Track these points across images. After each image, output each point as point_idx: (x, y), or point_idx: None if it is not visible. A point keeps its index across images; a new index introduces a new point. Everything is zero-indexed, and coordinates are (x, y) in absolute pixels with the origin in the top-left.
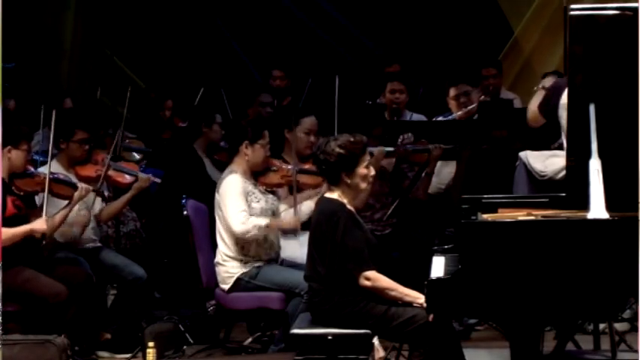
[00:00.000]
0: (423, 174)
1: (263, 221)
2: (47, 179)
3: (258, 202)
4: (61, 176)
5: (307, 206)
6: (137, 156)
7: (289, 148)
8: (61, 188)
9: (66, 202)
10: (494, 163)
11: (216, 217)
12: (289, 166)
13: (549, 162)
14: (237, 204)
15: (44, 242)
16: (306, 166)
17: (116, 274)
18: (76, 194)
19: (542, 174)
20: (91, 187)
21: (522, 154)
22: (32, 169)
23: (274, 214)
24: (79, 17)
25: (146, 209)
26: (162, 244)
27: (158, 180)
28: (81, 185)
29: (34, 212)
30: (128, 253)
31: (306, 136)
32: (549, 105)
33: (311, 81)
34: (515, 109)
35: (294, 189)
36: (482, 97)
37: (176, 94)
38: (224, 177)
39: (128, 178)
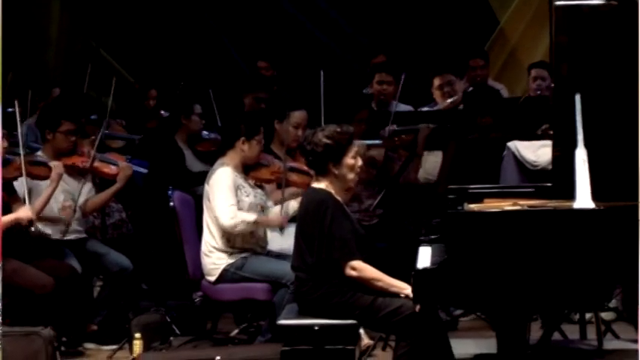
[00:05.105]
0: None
1: (251, 217)
2: (22, 162)
3: (247, 196)
4: (37, 158)
5: (292, 206)
6: (120, 142)
7: (278, 140)
8: (39, 169)
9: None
10: (481, 153)
11: (204, 208)
12: (281, 163)
13: (541, 152)
14: (227, 197)
15: (32, 229)
16: (297, 164)
17: (102, 265)
18: (53, 173)
19: (535, 164)
20: (62, 164)
21: (511, 144)
22: (8, 157)
23: (263, 209)
24: (65, 8)
25: (132, 201)
26: (149, 235)
27: (144, 171)
28: (53, 164)
29: (15, 199)
30: (115, 244)
31: (294, 130)
32: None
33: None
34: (501, 98)
35: (283, 186)
36: (471, 88)
37: (160, 84)
38: (215, 169)
39: (114, 169)
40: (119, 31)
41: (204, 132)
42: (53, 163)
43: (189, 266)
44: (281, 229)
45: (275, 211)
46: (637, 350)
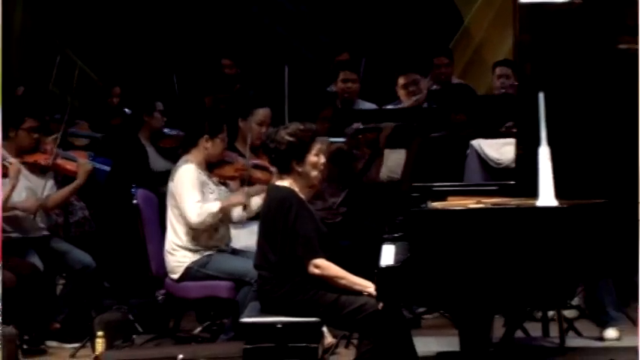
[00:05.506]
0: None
1: (215, 206)
2: None
3: (212, 193)
4: None
5: (255, 202)
6: (85, 140)
7: (242, 137)
8: None
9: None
10: (446, 151)
11: (168, 206)
12: (244, 160)
13: (504, 150)
14: (193, 195)
15: None
16: (260, 161)
17: (64, 263)
18: (11, 171)
19: (499, 162)
20: (19, 161)
21: (475, 143)
22: None
23: None
24: (28, 6)
25: (95, 198)
26: (111, 233)
27: (107, 168)
28: (10, 161)
29: None
30: (77, 242)
31: (258, 127)
32: None
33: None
34: (475, 95)
35: (246, 183)
36: (434, 86)
37: (124, 82)
38: (179, 166)
39: (76, 166)
40: (83, 29)
41: (166, 129)
42: (10, 160)
43: (152, 264)
44: (244, 208)
45: (236, 192)
46: (636, 348)
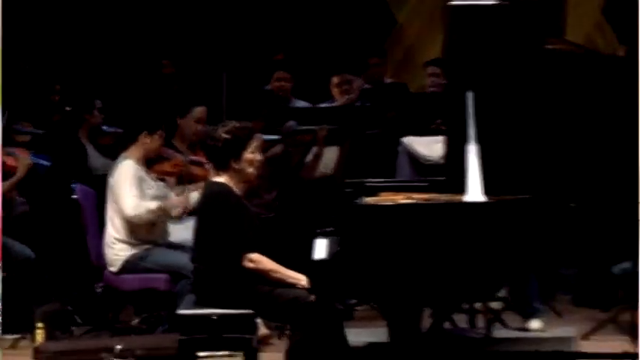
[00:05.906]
0: (313, 155)
1: (153, 204)
2: None
3: (150, 189)
4: None
5: (193, 197)
6: (27, 137)
7: (180, 135)
8: None
9: None
10: (379, 148)
11: (108, 201)
12: (182, 156)
13: (434, 147)
14: (131, 189)
15: None
16: (198, 158)
17: (4, 256)
18: None
19: (429, 158)
20: None
21: (405, 140)
22: None
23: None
24: None
25: (35, 192)
26: (51, 227)
27: (47, 163)
28: None
29: None
30: (18, 236)
31: (195, 125)
32: None
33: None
34: (405, 91)
35: (184, 179)
36: (366, 85)
37: (64, 79)
38: (118, 162)
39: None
40: (21, 26)
41: (104, 126)
42: None
43: (91, 256)
44: (184, 213)
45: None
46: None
